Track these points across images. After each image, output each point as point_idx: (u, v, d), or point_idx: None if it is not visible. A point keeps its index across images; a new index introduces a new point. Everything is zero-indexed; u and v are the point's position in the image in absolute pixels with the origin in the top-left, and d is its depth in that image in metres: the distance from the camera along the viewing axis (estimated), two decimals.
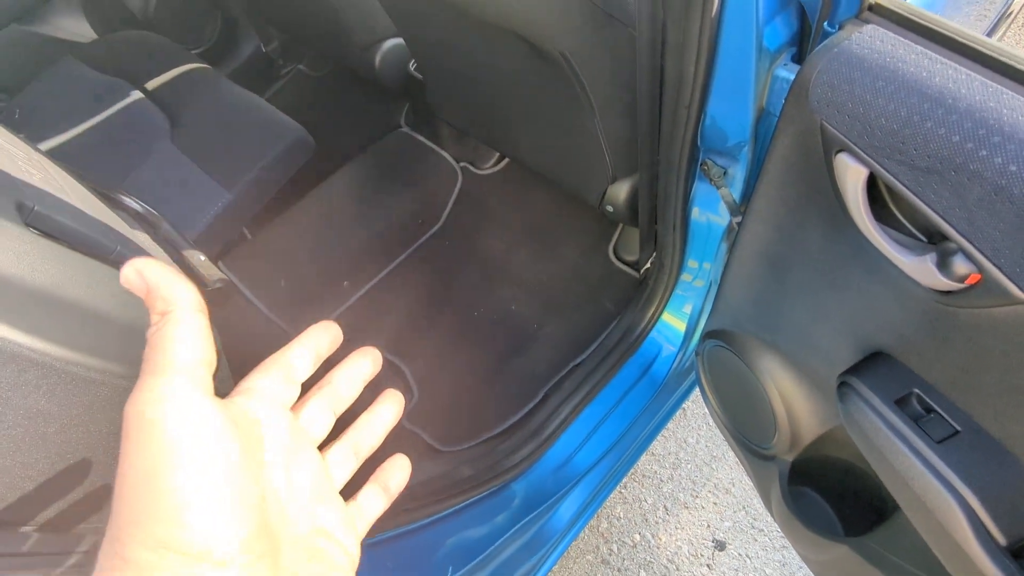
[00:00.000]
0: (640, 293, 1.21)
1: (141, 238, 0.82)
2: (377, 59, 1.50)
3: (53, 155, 1.34)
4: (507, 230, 1.53)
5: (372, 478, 0.38)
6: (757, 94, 0.79)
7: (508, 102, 1.16)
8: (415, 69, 1.52)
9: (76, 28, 1.60)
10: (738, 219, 0.91)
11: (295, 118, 1.35)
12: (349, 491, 0.37)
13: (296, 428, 0.34)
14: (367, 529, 0.36)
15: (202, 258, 0.87)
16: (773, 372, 0.83)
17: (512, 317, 1.42)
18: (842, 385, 0.65)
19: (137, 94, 1.38)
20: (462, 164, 1.62)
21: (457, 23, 1.01)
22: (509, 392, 1.30)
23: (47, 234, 0.58)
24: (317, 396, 0.36)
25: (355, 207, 1.56)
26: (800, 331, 0.75)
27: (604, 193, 1.17)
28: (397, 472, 0.39)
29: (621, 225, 1.45)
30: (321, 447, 0.36)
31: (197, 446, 0.26)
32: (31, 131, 1.38)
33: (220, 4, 1.76)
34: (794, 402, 0.82)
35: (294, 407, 0.35)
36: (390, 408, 0.39)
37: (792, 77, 0.76)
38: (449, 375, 1.36)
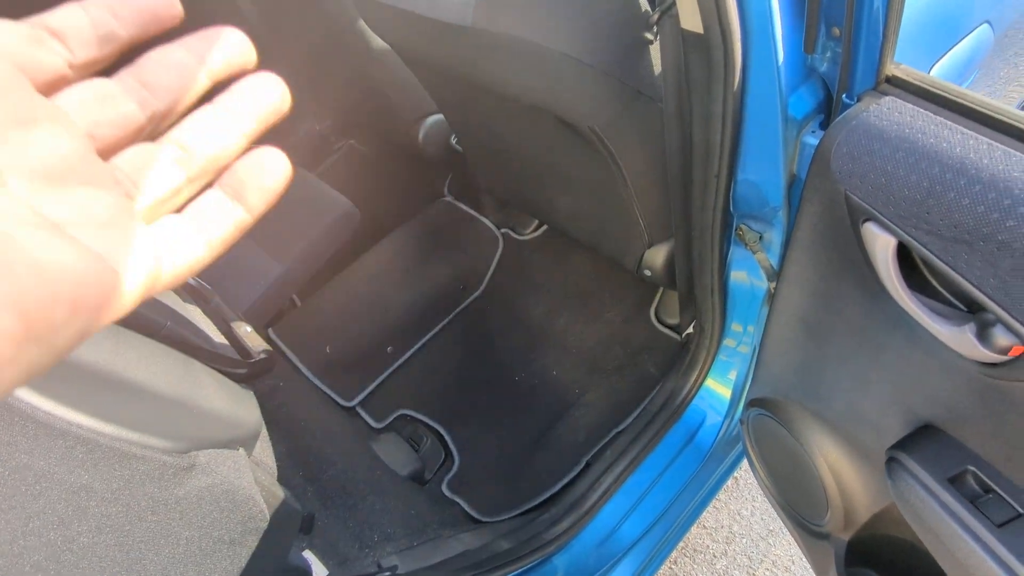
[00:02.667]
0: (682, 358, 1.19)
1: (192, 311, 0.86)
2: (421, 134, 1.57)
3: None
4: (548, 294, 1.54)
5: (220, 179, 0.25)
6: (787, 161, 0.79)
7: (543, 173, 1.19)
8: (456, 142, 1.58)
9: None
10: (775, 283, 0.90)
11: (347, 190, 1.42)
12: None
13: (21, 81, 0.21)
14: (176, 254, 0.23)
15: (248, 329, 0.91)
16: (820, 443, 0.80)
17: (554, 382, 1.41)
18: (891, 460, 0.62)
19: None
20: (503, 230, 1.66)
21: (491, 102, 1.06)
22: (550, 460, 1.28)
23: None
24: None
25: (399, 274, 1.61)
26: (845, 400, 0.72)
27: (641, 258, 1.17)
28: (264, 172, 0.26)
29: (662, 288, 1.44)
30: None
31: None
32: None
33: None
34: (845, 476, 0.78)
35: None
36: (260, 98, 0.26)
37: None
38: (490, 442, 1.35)
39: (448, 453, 1.36)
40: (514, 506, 1.21)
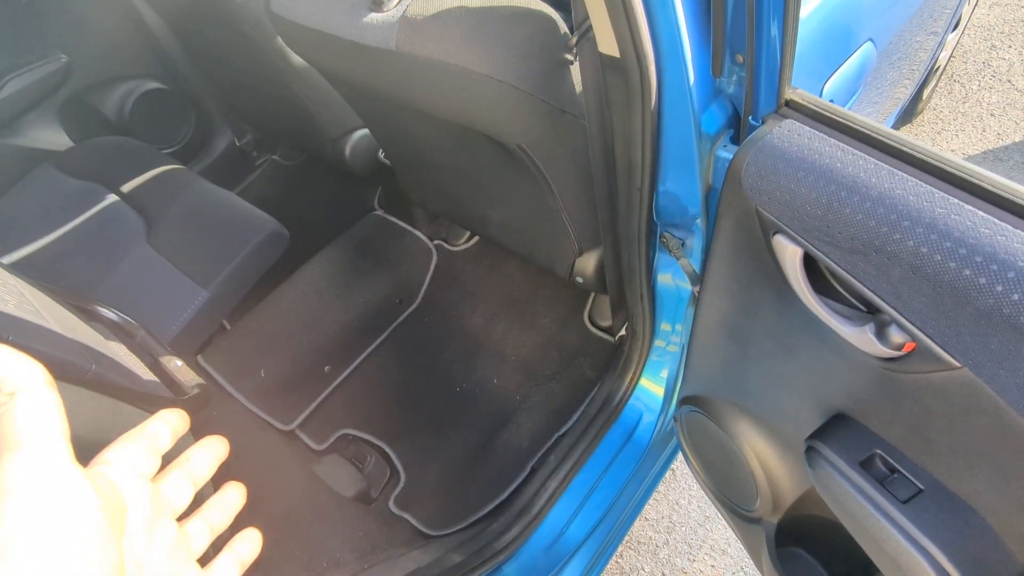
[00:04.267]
0: (617, 360, 1.23)
1: (116, 349, 0.83)
2: (347, 149, 1.56)
3: (31, 262, 1.36)
4: (484, 304, 1.56)
5: (226, 547, 0.40)
6: (703, 173, 0.84)
7: (473, 187, 1.21)
8: (384, 156, 1.58)
9: (52, 137, 1.65)
10: (697, 287, 0.95)
11: (270, 207, 1.39)
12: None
13: (157, 497, 0.35)
14: None
15: (179, 363, 0.88)
16: (747, 435, 0.85)
17: (495, 391, 1.43)
18: (809, 449, 0.67)
19: (113, 197, 1.42)
20: (436, 242, 1.67)
21: (419, 120, 1.07)
22: (496, 468, 1.29)
23: None
24: (177, 469, 0.39)
25: (332, 291, 1.59)
26: (766, 396, 0.77)
27: (573, 265, 1.21)
28: (249, 543, 0.41)
29: (594, 293, 1.49)
30: (180, 519, 0.38)
31: (59, 512, 0.27)
32: (8, 241, 1.41)
33: (195, 104, 1.83)
34: (770, 464, 0.83)
35: (155, 478, 0.37)
36: (236, 494, 0.43)
37: (729, 156, 0.82)
38: (436, 455, 1.36)
39: (393, 470, 1.36)
40: (463, 517, 1.22)
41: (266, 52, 1.34)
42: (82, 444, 0.57)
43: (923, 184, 0.48)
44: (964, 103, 2.28)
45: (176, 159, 1.54)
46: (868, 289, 0.52)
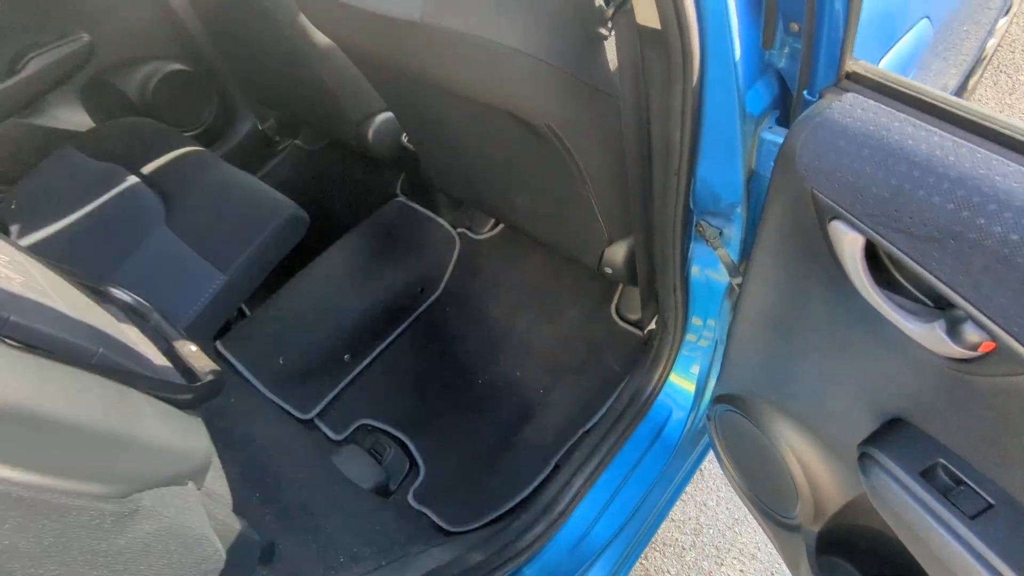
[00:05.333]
0: (646, 355, 1.18)
1: (128, 332, 0.80)
2: (370, 133, 1.52)
3: (50, 244, 1.34)
4: (508, 294, 1.52)
5: None
6: (745, 157, 0.78)
7: (500, 172, 1.16)
8: (407, 141, 1.54)
9: (74, 118, 1.64)
10: (738, 280, 0.89)
11: (292, 192, 1.36)
12: None
13: None
14: None
15: (193, 348, 0.85)
16: (788, 437, 0.80)
17: (517, 384, 1.39)
18: (863, 456, 0.62)
19: (133, 179, 1.40)
20: (459, 230, 1.63)
21: (444, 100, 1.03)
22: (518, 463, 1.26)
23: (25, 344, 0.57)
24: None
25: (353, 279, 1.56)
26: (812, 396, 0.72)
27: (602, 255, 1.16)
28: None
29: (622, 284, 1.44)
30: None
31: None
32: (28, 221, 1.40)
33: (217, 87, 1.81)
34: (813, 469, 0.78)
35: None
36: None
37: (777, 140, 0.76)
38: (456, 448, 1.32)
39: (413, 462, 1.32)
40: (484, 513, 1.18)
41: (288, 32, 1.30)
42: (85, 432, 0.54)
43: (1011, 164, 0.42)
44: (1011, 95, 2.16)
45: (198, 142, 1.51)
46: (941, 281, 0.46)
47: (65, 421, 0.51)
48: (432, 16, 0.77)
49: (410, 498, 1.27)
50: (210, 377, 0.78)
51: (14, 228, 1.41)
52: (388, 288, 1.54)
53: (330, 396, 1.42)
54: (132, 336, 0.77)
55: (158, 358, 0.78)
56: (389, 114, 1.53)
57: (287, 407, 1.37)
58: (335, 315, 1.50)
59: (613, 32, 0.80)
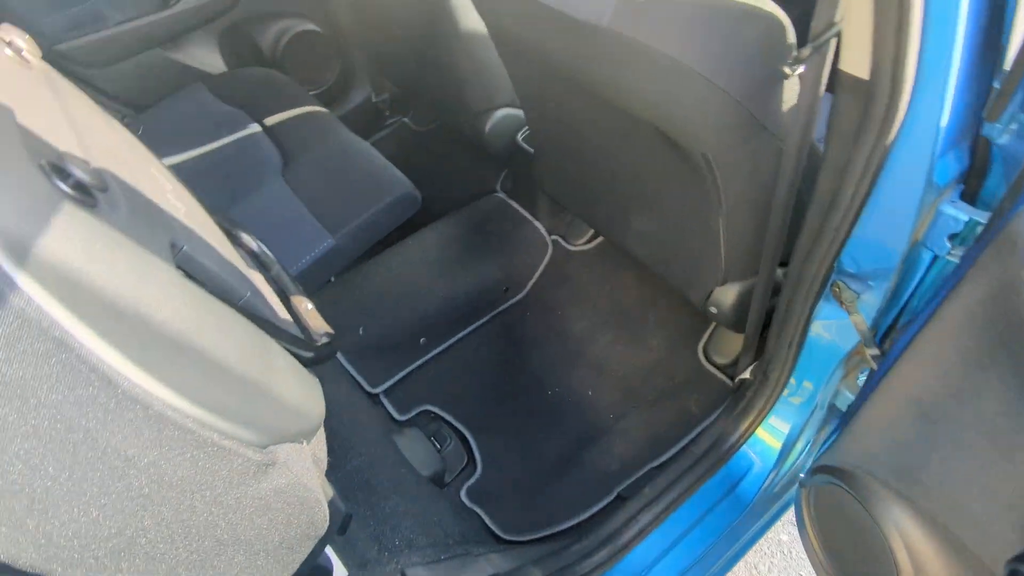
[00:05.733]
0: (735, 402, 1.14)
1: (257, 280, 0.81)
2: (488, 125, 1.51)
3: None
4: (592, 310, 1.49)
5: None
6: (915, 226, 0.74)
7: (624, 187, 1.14)
8: (523, 139, 1.52)
9: (209, 60, 1.69)
10: (874, 351, 0.85)
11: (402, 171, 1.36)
12: None
13: None
14: None
15: (309, 307, 0.85)
16: (904, 528, 0.75)
17: (588, 403, 1.36)
18: (1013, 573, 0.57)
19: (256, 127, 1.43)
20: (554, 237, 1.61)
21: (590, 105, 1.01)
22: (578, 485, 1.23)
23: (189, 276, 0.57)
24: None
25: (442, 264, 1.55)
26: (952, 494, 0.67)
27: (711, 293, 1.12)
28: None
29: (714, 324, 1.39)
30: None
31: None
32: (152, 148, 1.44)
33: (342, 52, 1.84)
34: (929, 568, 0.73)
35: None
36: None
37: (959, 216, 0.71)
38: (515, 454, 1.30)
39: (471, 459, 1.31)
40: (537, 527, 1.16)
41: (435, 11, 1.31)
42: (236, 374, 0.54)
43: None
44: None
45: (321, 100, 1.54)
46: None
47: (219, 358, 0.51)
48: (619, 24, 0.75)
49: (463, 494, 1.26)
50: (325, 339, 0.77)
51: None
52: (474, 280, 1.54)
53: (400, 375, 1.42)
54: (261, 284, 0.78)
55: (281, 310, 0.78)
56: (510, 110, 1.53)
57: (359, 378, 1.38)
58: (418, 296, 1.50)
59: (796, 72, 0.77)
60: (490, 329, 1.50)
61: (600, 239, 1.58)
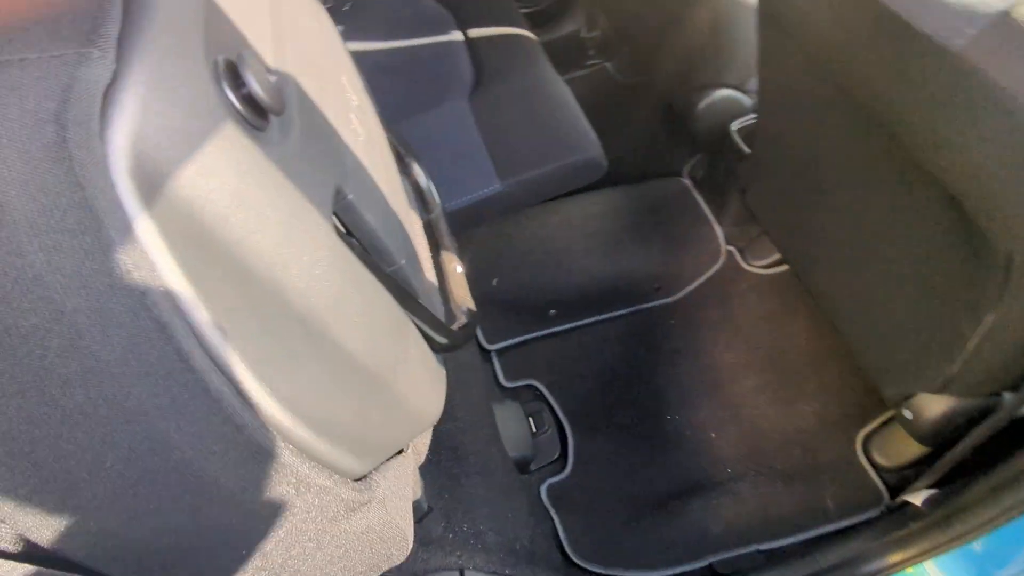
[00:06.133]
0: (890, 525, 0.94)
1: (413, 225, 0.71)
2: (702, 103, 1.31)
3: (358, 62, 1.31)
4: (746, 345, 1.30)
5: None
6: None
7: (857, 241, 0.92)
8: (738, 131, 1.31)
9: None
10: None
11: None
12: None
13: None
14: None
15: (459, 269, 0.75)
16: None
17: (707, 446, 1.20)
18: None
19: (458, 36, 1.32)
20: (731, 247, 1.40)
21: (860, 139, 0.79)
22: (669, 534, 1.09)
23: (346, 231, 0.47)
24: None
25: (598, 237, 1.41)
26: None
27: (913, 396, 0.90)
28: None
29: (888, 416, 1.16)
30: None
31: None
32: (351, 27, 1.38)
33: None
34: None
35: None
36: None
37: None
38: (612, 471, 1.18)
39: (563, 455, 1.21)
40: (608, 562, 1.05)
41: None
42: (358, 365, 0.45)
43: None
44: None
45: (529, 20, 1.39)
46: None
47: (347, 358, 0.41)
48: (979, 53, 0.53)
49: (543, 489, 1.16)
50: (465, 319, 0.67)
51: (339, 29, 1.40)
52: (626, 264, 1.38)
53: (518, 339, 1.33)
54: (417, 233, 0.68)
55: (429, 270, 0.68)
56: (733, 93, 1.31)
57: (478, 329, 1.30)
58: (563, 264, 1.37)
59: None
60: (626, 323, 1.36)
61: (784, 268, 1.36)
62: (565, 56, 1.79)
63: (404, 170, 0.80)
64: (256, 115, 0.35)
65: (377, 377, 0.44)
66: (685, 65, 1.29)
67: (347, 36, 1.37)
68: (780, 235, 1.18)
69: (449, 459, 1.01)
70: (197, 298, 0.29)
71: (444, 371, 0.60)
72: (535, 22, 1.69)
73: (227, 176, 0.32)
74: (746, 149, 1.25)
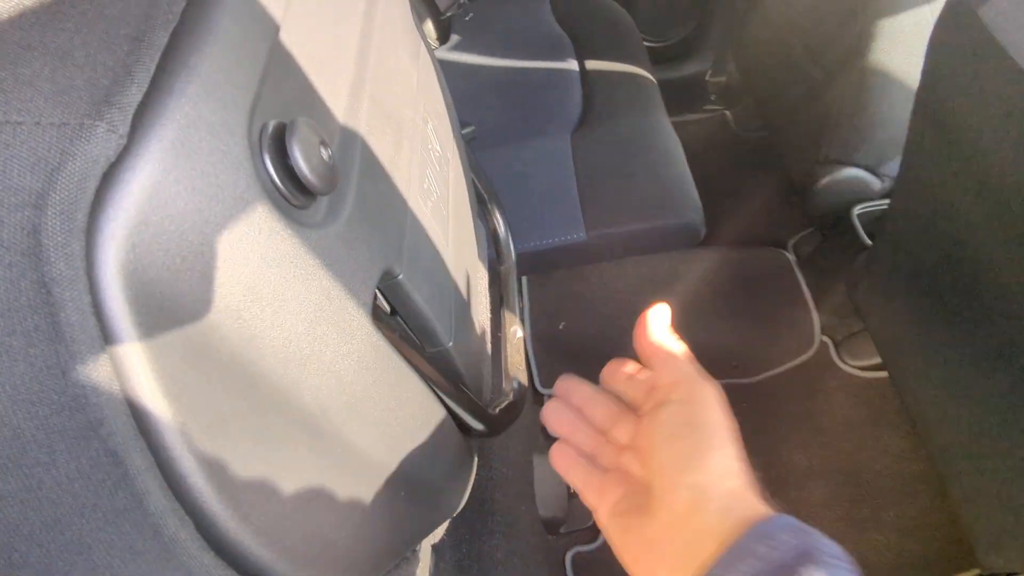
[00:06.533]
0: None
1: (478, 278, 0.65)
2: (826, 178, 1.19)
3: (466, 79, 1.27)
4: (822, 450, 1.17)
5: None
6: None
7: (985, 376, 0.79)
8: (859, 216, 1.18)
9: None
10: None
11: (689, 161, 1.11)
12: None
13: None
14: None
15: (519, 335, 0.68)
16: None
17: None
18: None
19: (574, 65, 1.25)
20: (824, 339, 1.27)
21: (1017, 263, 0.67)
22: None
23: (390, 308, 0.42)
24: None
25: (681, 298, 1.31)
26: None
27: None
28: None
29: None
30: None
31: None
32: (466, 38, 1.35)
33: (703, 12, 1.56)
34: None
35: None
36: None
37: None
38: None
39: (595, 527, 1.12)
40: None
41: (859, 12, 1.00)
42: (369, 469, 0.39)
43: None
44: None
45: (649, 54, 1.31)
46: None
47: (359, 452, 0.36)
48: None
49: (568, 557, 1.09)
50: (511, 396, 0.61)
51: (453, 38, 1.37)
52: (705, 334, 1.28)
53: None
54: (481, 298, 0.62)
55: (483, 322, 0.62)
56: (862, 174, 1.18)
57: (536, 370, 1.23)
58: (635, 320, 1.28)
59: None
60: None
61: (882, 374, 1.21)
62: (684, 97, 1.70)
63: (483, 213, 0.74)
64: (299, 192, 0.30)
65: (391, 483, 0.39)
66: (814, 134, 1.17)
67: (463, 47, 1.34)
68: (885, 340, 1.05)
69: (474, 511, 0.95)
70: (174, 420, 0.25)
71: (475, 460, 0.54)
72: (659, 57, 1.61)
73: (246, 268, 0.27)
74: (866, 239, 1.12)
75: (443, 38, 1.41)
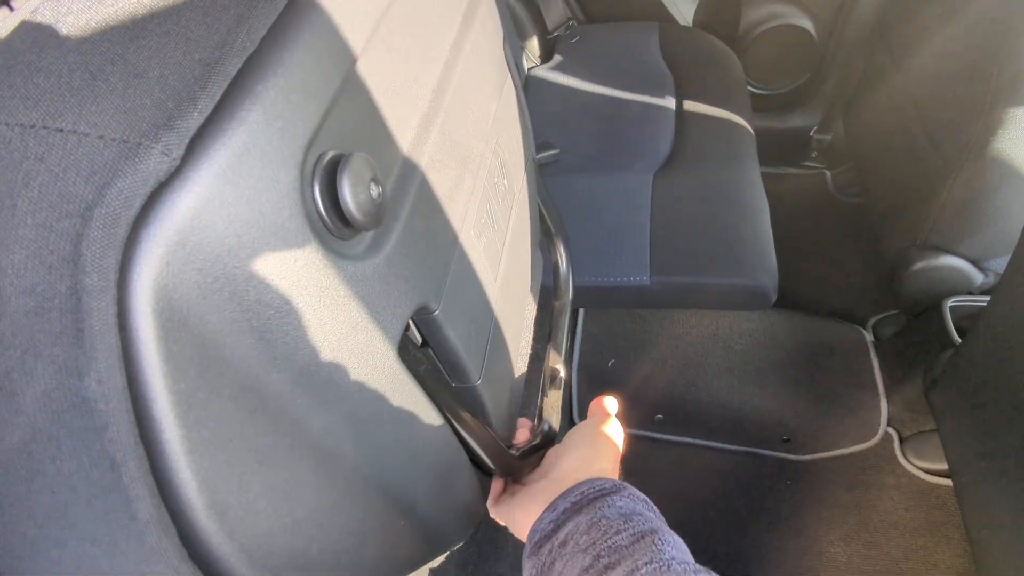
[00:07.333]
0: None
1: (525, 312, 0.65)
2: (922, 262, 1.11)
3: (583, 107, 1.25)
4: (866, 549, 1.09)
5: None
6: None
7: None
8: (952, 309, 1.09)
9: (681, 8, 1.50)
10: None
11: (774, 219, 1.05)
12: None
13: None
14: None
15: (562, 374, 0.67)
16: None
17: None
18: None
19: (671, 103, 1.23)
20: (890, 430, 1.19)
21: None
22: None
23: (412, 345, 0.42)
24: None
25: (742, 358, 1.26)
26: None
27: None
28: None
29: None
30: None
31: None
32: (566, 58, 1.35)
33: (818, 65, 1.50)
34: None
35: None
36: None
37: None
38: None
39: None
40: None
41: (994, 87, 0.93)
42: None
43: None
44: None
45: (761, 101, 1.26)
46: None
47: (365, 478, 0.36)
48: None
49: None
50: (536, 441, 0.59)
51: (555, 58, 1.37)
52: (760, 402, 1.22)
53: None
54: (522, 335, 0.61)
55: (523, 353, 0.61)
56: (958, 263, 1.10)
57: (576, 402, 1.21)
58: (690, 373, 1.24)
59: None
60: (735, 462, 1.20)
61: (947, 481, 1.12)
62: (784, 149, 1.63)
63: (546, 245, 0.74)
64: (342, 224, 0.31)
65: (391, 513, 0.39)
66: (918, 214, 1.09)
67: (563, 68, 1.34)
68: (956, 448, 0.97)
69: (487, 539, 0.94)
70: (177, 433, 0.25)
71: (482, 499, 0.53)
72: (764, 105, 1.56)
73: (277, 293, 0.28)
74: (955, 336, 1.04)
75: (546, 56, 1.42)
